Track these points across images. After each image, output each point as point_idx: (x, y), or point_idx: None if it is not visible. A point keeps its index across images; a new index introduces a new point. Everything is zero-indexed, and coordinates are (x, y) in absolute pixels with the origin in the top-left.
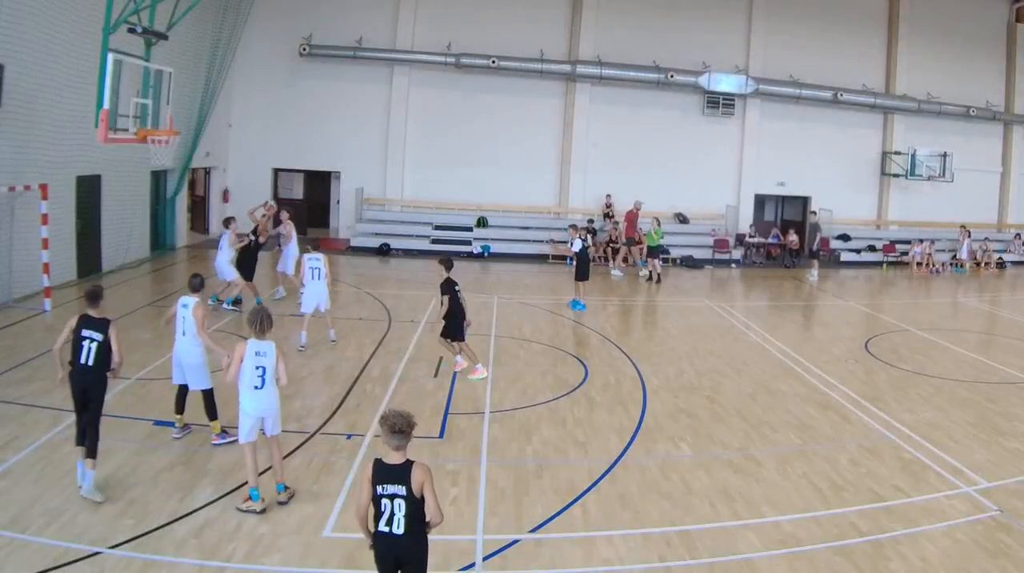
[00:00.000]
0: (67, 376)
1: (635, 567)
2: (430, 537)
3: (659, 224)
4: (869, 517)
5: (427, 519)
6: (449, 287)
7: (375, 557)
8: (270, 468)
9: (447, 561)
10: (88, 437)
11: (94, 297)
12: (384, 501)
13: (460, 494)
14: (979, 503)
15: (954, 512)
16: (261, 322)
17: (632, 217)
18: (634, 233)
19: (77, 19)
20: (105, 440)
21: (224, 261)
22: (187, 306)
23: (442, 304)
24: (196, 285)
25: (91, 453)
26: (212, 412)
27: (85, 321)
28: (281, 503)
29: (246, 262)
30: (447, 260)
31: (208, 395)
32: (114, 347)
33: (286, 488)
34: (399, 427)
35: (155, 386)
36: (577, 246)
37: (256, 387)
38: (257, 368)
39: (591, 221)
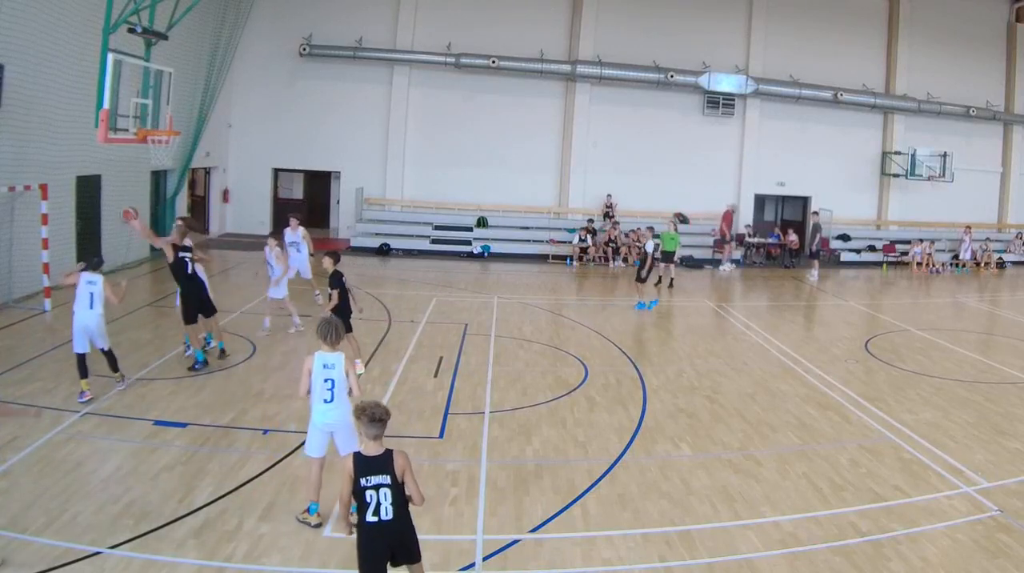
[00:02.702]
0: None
1: (635, 567)
2: (432, 537)
3: (676, 229)
4: (869, 517)
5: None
6: (338, 280)
7: (364, 550)
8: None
9: (447, 561)
10: (107, 361)
11: (95, 266)
12: (369, 492)
13: (460, 494)
14: (979, 503)
15: (954, 512)
16: (330, 334)
17: (728, 217)
18: (728, 233)
19: (77, 19)
20: (105, 440)
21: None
22: (95, 282)
23: (330, 298)
24: (97, 264)
25: (114, 369)
26: (115, 365)
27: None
28: (308, 524)
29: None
30: (335, 253)
31: (111, 353)
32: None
33: (318, 513)
34: (379, 416)
35: (155, 386)
36: (650, 247)
37: (326, 401)
38: (326, 381)
39: (591, 221)
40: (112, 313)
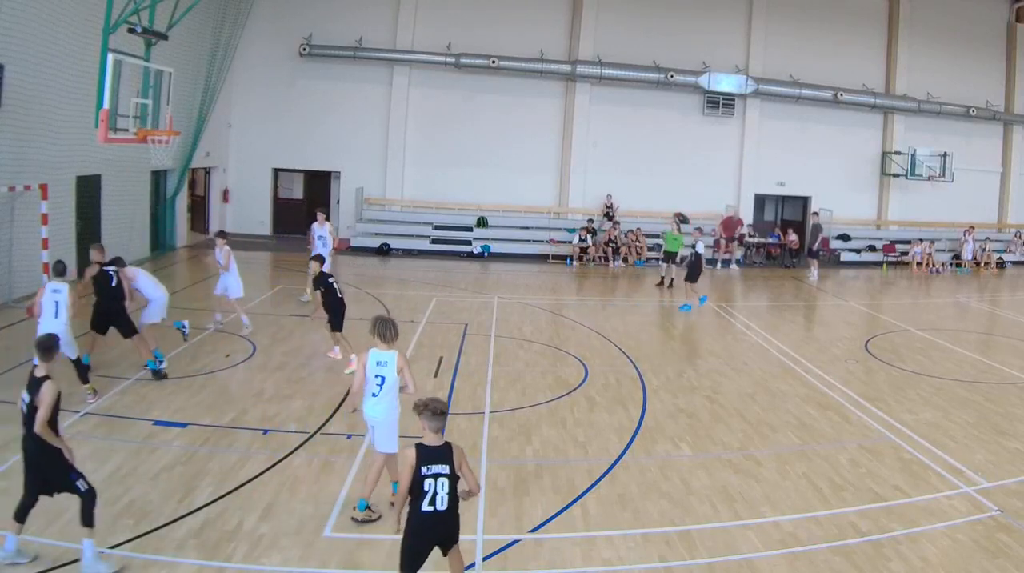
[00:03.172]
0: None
1: (635, 567)
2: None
3: (678, 229)
4: (869, 517)
5: (466, 489)
6: (323, 281)
7: (412, 539)
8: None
9: (447, 561)
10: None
11: (59, 271)
12: (428, 481)
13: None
14: (979, 503)
15: (954, 512)
16: (387, 331)
17: (727, 222)
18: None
19: (77, 19)
20: (105, 440)
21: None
22: (60, 291)
23: (313, 298)
24: (61, 270)
25: (83, 380)
26: (85, 377)
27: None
28: (354, 520)
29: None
30: (319, 256)
31: (79, 362)
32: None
33: (368, 507)
34: (440, 409)
35: (155, 386)
36: (700, 247)
37: (373, 394)
38: (377, 377)
39: (591, 221)
40: None
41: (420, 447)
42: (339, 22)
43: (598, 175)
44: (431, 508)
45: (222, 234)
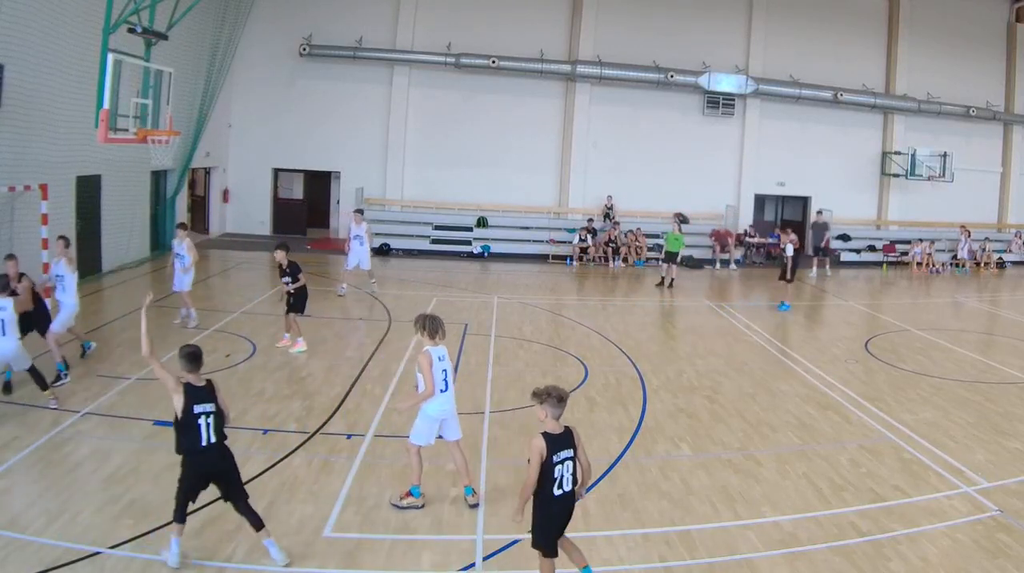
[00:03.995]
0: None
1: (635, 567)
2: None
3: (679, 230)
4: (869, 517)
5: (583, 469)
6: (299, 268)
7: (548, 522)
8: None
9: (447, 561)
10: (34, 379)
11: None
12: (558, 467)
13: (460, 494)
14: (979, 503)
15: (954, 512)
16: (439, 328)
17: (718, 234)
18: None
19: (77, 19)
20: (105, 440)
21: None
22: (4, 308)
23: (297, 279)
24: (3, 285)
25: (43, 387)
26: (44, 383)
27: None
28: (473, 506)
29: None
30: (285, 245)
31: (34, 370)
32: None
33: (474, 492)
34: (565, 397)
35: (155, 386)
36: (790, 250)
37: (441, 390)
38: (442, 371)
39: (591, 221)
40: (112, 313)
41: (547, 436)
42: (339, 22)
43: (598, 175)
44: (560, 491)
45: (182, 226)
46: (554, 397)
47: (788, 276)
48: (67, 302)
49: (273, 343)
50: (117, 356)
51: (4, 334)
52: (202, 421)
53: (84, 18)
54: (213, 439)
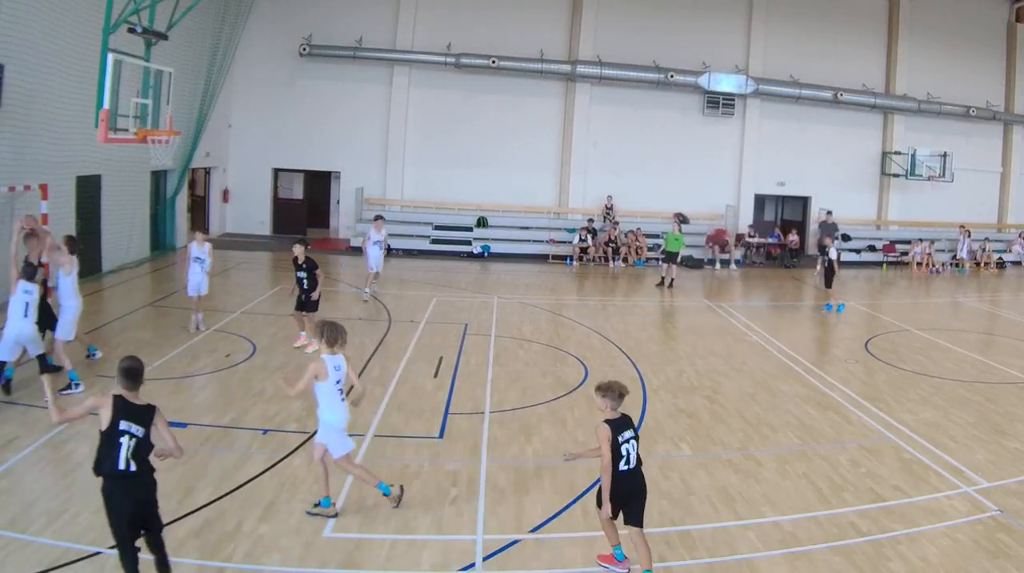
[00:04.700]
0: None
1: (635, 567)
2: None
3: (680, 230)
4: (869, 517)
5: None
6: (316, 262)
7: (619, 495)
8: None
9: (447, 561)
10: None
11: (30, 274)
12: (624, 446)
13: (460, 494)
14: (979, 503)
15: (954, 512)
16: (338, 337)
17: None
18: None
19: (77, 19)
20: None
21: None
22: (31, 292)
23: (315, 278)
24: (31, 273)
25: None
26: (51, 368)
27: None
28: (311, 513)
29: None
30: (303, 239)
31: (43, 358)
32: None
33: (332, 504)
34: (626, 392)
35: (155, 386)
36: (833, 253)
37: (342, 400)
38: (337, 382)
39: (591, 221)
40: (112, 313)
41: (610, 422)
42: (339, 22)
43: (598, 175)
44: (627, 467)
45: (203, 230)
46: (615, 392)
47: (828, 282)
48: (67, 305)
49: (273, 343)
50: (117, 356)
51: (26, 316)
52: (124, 440)
53: (84, 18)
54: (133, 467)
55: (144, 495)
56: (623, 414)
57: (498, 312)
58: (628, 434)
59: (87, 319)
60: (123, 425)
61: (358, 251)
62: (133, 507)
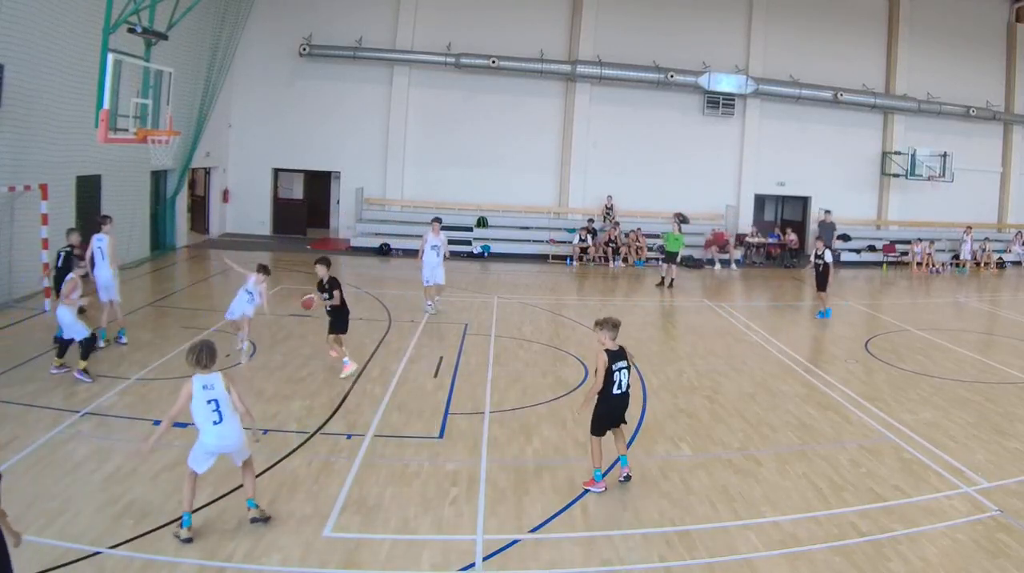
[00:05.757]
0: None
1: (635, 567)
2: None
3: (679, 230)
4: (869, 517)
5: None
6: (337, 282)
7: (607, 414)
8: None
9: (447, 561)
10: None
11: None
12: (616, 374)
13: (460, 494)
14: (979, 503)
15: (954, 512)
16: (203, 357)
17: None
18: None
19: (77, 19)
20: (105, 440)
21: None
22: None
23: (333, 297)
24: (73, 263)
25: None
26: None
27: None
28: (254, 520)
29: None
30: (327, 260)
31: (86, 342)
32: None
33: (257, 506)
34: (619, 323)
35: (155, 386)
36: (828, 257)
37: (215, 422)
38: (209, 402)
39: (591, 221)
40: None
41: (608, 352)
42: (339, 22)
43: (598, 175)
44: (619, 391)
45: (264, 270)
46: (610, 324)
47: (823, 285)
48: (102, 274)
49: (273, 343)
50: (117, 356)
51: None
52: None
53: (84, 18)
54: None
55: None
56: (620, 346)
57: (498, 312)
58: (622, 363)
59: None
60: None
61: (358, 251)
62: None
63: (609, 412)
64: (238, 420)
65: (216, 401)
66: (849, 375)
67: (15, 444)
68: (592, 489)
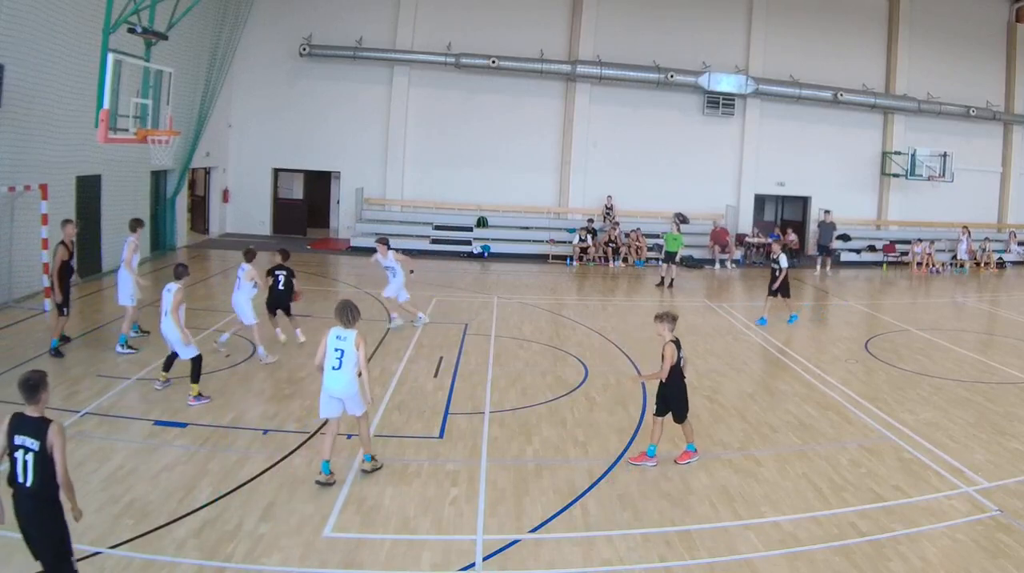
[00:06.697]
0: None
1: (635, 567)
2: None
3: (679, 230)
4: (869, 517)
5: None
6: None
7: (685, 402)
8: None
9: (447, 561)
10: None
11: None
12: (682, 359)
13: (460, 494)
14: (979, 503)
15: (954, 512)
16: (348, 313)
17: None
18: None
19: (77, 19)
20: (105, 440)
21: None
22: (170, 290)
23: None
24: (180, 273)
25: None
26: (196, 376)
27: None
28: (365, 471)
29: None
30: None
31: (196, 361)
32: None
33: (373, 457)
34: (677, 316)
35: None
36: (783, 261)
37: (333, 368)
38: (336, 350)
39: (591, 221)
40: (112, 313)
41: (677, 342)
42: (339, 22)
43: (598, 175)
44: (685, 379)
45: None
46: (670, 317)
47: (785, 291)
48: (123, 275)
49: (273, 343)
50: (116, 356)
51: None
52: (19, 455)
53: (84, 18)
54: (29, 481)
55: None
56: (676, 337)
57: (498, 312)
58: (682, 354)
59: (87, 318)
60: (17, 439)
61: (358, 251)
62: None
63: (687, 397)
64: (355, 375)
65: (342, 351)
66: (849, 375)
67: None
68: (690, 460)
